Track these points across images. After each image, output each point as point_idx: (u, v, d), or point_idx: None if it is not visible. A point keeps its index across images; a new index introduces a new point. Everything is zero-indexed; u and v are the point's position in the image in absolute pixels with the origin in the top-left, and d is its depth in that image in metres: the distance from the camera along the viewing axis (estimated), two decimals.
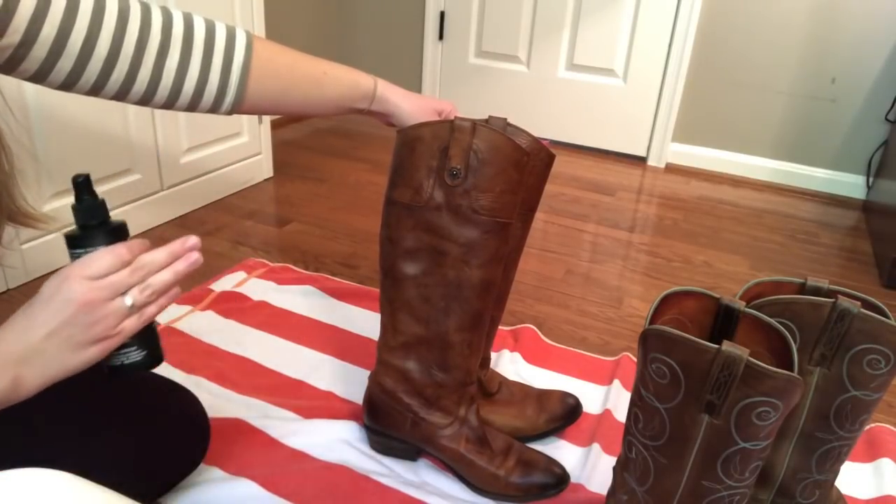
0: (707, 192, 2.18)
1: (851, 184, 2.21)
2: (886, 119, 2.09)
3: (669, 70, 2.28)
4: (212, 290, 1.33)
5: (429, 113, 0.83)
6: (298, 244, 1.61)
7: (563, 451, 0.98)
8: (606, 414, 1.04)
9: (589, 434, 1.01)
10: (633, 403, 0.65)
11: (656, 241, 1.76)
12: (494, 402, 0.98)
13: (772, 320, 0.61)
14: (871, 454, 1.00)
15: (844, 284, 1.60)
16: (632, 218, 1.92)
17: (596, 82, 2.41)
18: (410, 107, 0.82)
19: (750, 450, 0.58)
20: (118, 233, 0.59)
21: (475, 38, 2.56)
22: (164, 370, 1.08)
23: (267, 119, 1.97)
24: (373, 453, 0.94)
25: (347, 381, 1.10)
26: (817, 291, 0.69)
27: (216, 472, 0.88)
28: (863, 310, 0.63)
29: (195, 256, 0.58)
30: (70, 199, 1.45)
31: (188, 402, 0.81)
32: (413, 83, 2.75)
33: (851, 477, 0.97)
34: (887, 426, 1.06)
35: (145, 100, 0.67)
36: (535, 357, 1.20)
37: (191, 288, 1.33)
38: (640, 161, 2.44)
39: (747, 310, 0.62)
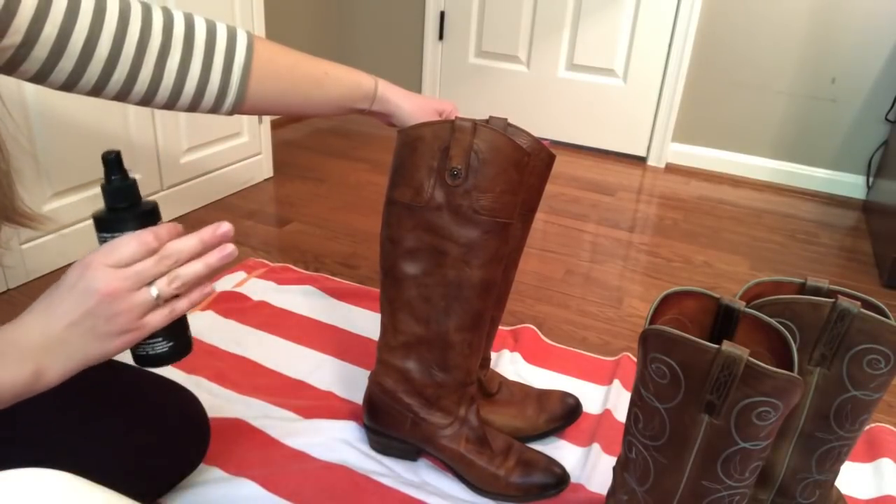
0: (707, 192, 2.18)
1: (851, 184, 2.21)
2: (886, 119, 2.10)
3: (669, 70, 2.28)
4: (212, 290, 1.33)
5: (429, 113, 0.83)
6: (298, 244, 1.61)
7: (563, 451, 0.98)
8: (606, 414, 1.04)
9: (589, 434, 1.01)
10: (633, 403, 0.65)
11: (656, 241, 1.76)
12: (494, 402, 0.98)
13: (772, 320, 0.61)
14: (871, 454, 1.00)
15: (844, 284, 1.61)
16: (632, 218, 1.92)
17: (596, 82, 2.41)
18: (411, 107, 0.82)
19: (750, 450, 0.58)
20: (148, 217, 0.56)
21: (475, 38, 2.56)
22: (165, 370, 1.08)
23: (267, 119, 1.97)
24: (373, 453, 0.94)
25: (347, 381, 1.10)
26: (817, 291, 0.69)
27: (216, 472, 0.88)
28: (863, 310, 0.63)
29: (229, 249, 0.56)
30: (70, 199, 1.45)
31: (188, 402, 0.81)
32: (413, 83, 2.75)
33: (851, 477, 0.97)
34: (887, 426, 1.06)
35: (146, 100, 0.67)
36: (535, 357, 1.20)
37: None
38: (640, 161, 2.44)
39: (747, 310, 0.62)
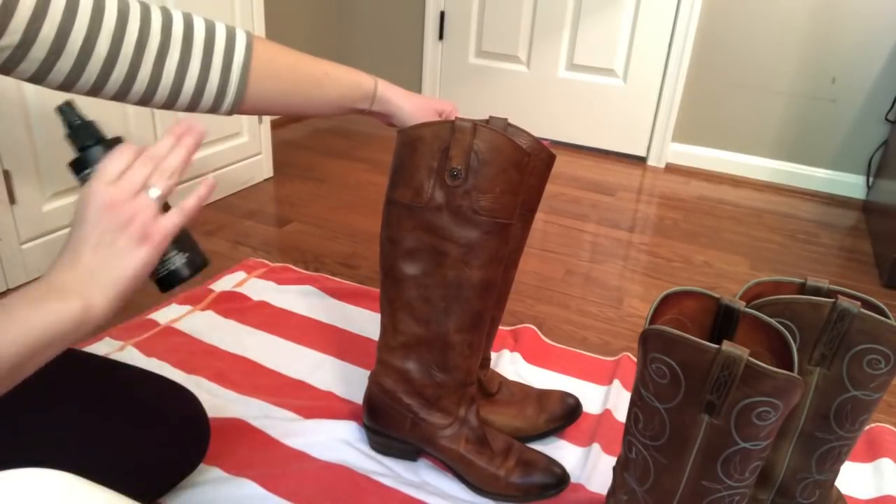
0: (707, 192, 2.18)
1: (851, 184, 2.21)
2: (886, 119, 2.09)
3: (669, 70, 2.28)
4: (212, 290, 1.33)
5: (429, 113, 0.83)
6: (298, 244, 1.61)
7: (563, 451, 0.98)
8: (606, 414, 1.04)
9: (589, 434, 1.01)
10: (633, 403, 0.65)
11: (656, 241, 1.76)
12: (494, 403, 0.98)
13: (772, 320, 0.61)
14: (871, 454, 1.00)
15: (844, 284, 1.60)
16: (632, 218, 1.92)
17: (596, 82, 2.41)
18: (411, 107, 0.82)
19: (750, 450, 0.58)
20: (117, 144, 0.60)
21: (475, 38, 2.56)
22: (165, 370, 1.08)
23: (267, 119, 1.97)
24: (373, 453, 0.94)
25: (347, 381, 1.10)
26: (817, 291, 0.69)
27: (216, 472, 0.88)
28: (863, 310, 0.63)
29: (199, 128, 0.59)
30: (70, 199, 1.45)
31: (188, 402, 0.81)
32: (413, 83, 2.75)
33: (851, 477, 0.97)
34: (887, 426, 1.06)
35: (145, 100, 0.67)
36: (535, 357, 1.20)
37: (191, 288, 1.33)
38: (640, 161, 2.44)
39: (747, 310, 0.62)
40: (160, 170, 0.56)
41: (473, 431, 0.89)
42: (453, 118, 0.74)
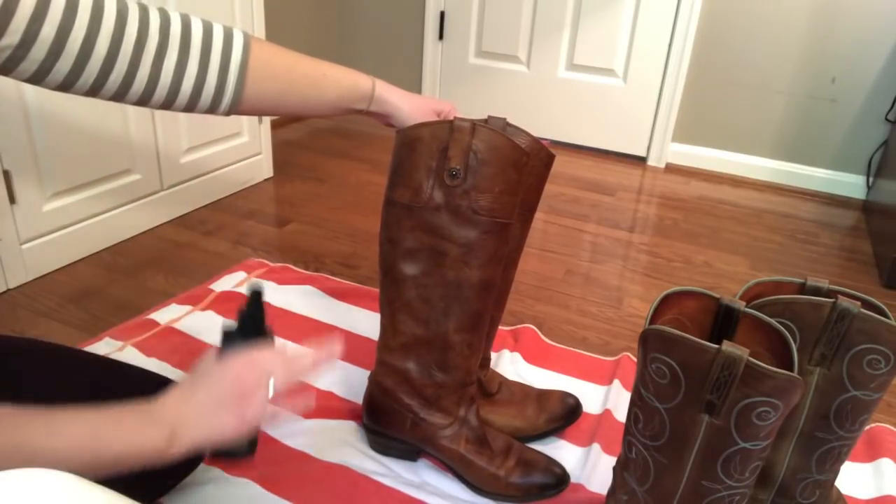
0: (707, 192, 2.18)
1: (851, 184, 2.21)
2: (886, 119, 2.09)
3: (669, 70, 2.28)
4: (212, 290, 1.33)
5: (428, 113, 0.83)
6: (298, 244, 1.61)
7: (563, 451, 0.98)
8: (606, 414, 1.04)
9: (589, 434, 1.01)
10: (633, 403, 0.65)
11: (656, 241, 1.76)
12: (494, 402, 0.98)
13: (772, 320, 0.61)
14: (871, 454, 1.00)
15: (844, 284, 1.60)
16: (632, 218, 1.92)
17: (596, 82, 2.41)
18: (409, 107, 0.82)
19: (750, 450, 0.58)
20: (270, 339, 0.69)
21: (475, 38, 2.56)
22: (165, 370, 1.08)
23: (267, 119, 1.97)
24: (373, 453, 0.94)
25: (347, 381, 1.10)
26: (817, 291, 0.69)
27: (216, 472, 0.88)
28: (863, 310, 0.63)
29: (336, 347, 0.67)
30: (70, 199, 1.46)
31: None
32: (413, 83, 2.75)
33: (851, 477, 0.97)
34: (887, 426, 1.06)
35: (144, 100, 0.67)
36: (535, 357, 1.20)
37: (191, 288, 1.33)
38: (640, 161, 2.44)
39: (747, 310, 0.62)
40: (289, 369, 0.63)
41: (473, 431, 0.89)
42: (452, 118, 0.74)
